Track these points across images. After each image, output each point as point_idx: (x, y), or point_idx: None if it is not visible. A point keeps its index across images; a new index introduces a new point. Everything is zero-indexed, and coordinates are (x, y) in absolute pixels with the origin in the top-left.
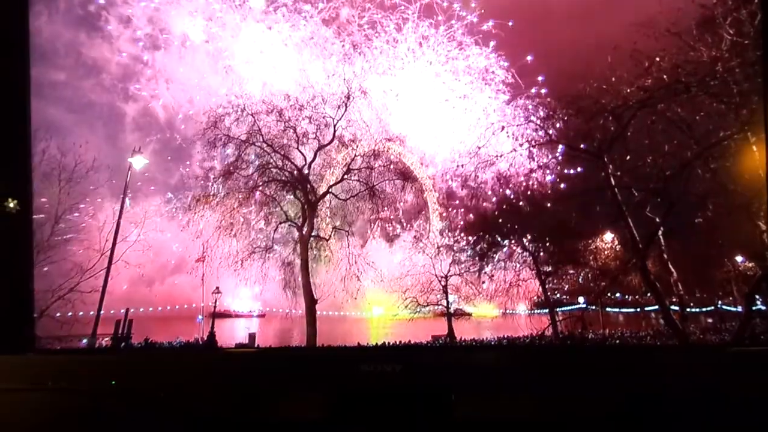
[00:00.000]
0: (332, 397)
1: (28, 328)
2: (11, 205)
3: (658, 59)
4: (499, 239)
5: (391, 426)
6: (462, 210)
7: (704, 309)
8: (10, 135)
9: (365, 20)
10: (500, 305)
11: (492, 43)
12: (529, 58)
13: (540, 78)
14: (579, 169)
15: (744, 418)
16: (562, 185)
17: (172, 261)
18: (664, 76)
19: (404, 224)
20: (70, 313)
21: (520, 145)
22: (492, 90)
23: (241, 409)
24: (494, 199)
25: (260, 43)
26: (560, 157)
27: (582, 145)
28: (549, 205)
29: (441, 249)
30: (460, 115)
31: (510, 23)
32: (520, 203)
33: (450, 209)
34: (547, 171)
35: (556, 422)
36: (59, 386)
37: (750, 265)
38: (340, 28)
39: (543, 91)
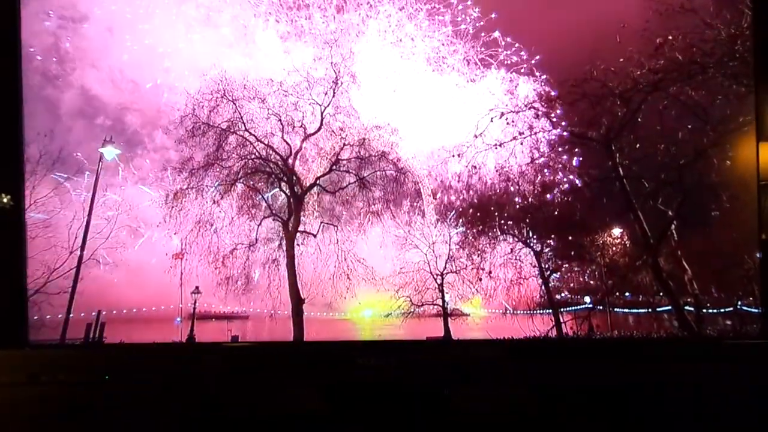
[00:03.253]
0: (325, 391)
1: (22, 323)
2: (4, 200)
3: (671, 38)
4: (498, 234)
5: (385, 419)
6: (458, 203)
7: (722, 310)
8: (1, 131)
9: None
10: (500, 305)
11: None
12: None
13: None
14: (583, 159)
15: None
16: (565, 176)
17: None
18: (679, 56)
19: (396, 217)
20: (36, 317)
21: (520, 133)
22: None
23: (234, 403)
24: (469, 191)
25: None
26: (564, 146)
27: (589, 133)
28: (552, 197)
29: (436, 244)
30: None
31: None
32: (521, 196)
33: (446, 202)
34: (550, 161)
35: (554, 416)
36: (55, 380)
37: None
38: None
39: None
